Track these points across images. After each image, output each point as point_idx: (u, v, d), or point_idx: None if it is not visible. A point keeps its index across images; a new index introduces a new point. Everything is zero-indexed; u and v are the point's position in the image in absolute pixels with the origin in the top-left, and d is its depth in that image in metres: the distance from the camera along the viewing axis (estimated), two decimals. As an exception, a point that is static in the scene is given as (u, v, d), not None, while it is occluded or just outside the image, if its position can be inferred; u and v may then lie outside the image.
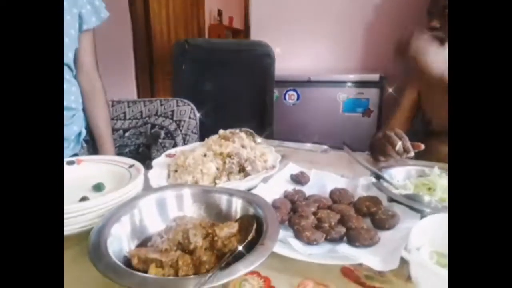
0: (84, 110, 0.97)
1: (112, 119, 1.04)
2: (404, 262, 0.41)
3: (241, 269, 0.36)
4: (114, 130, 1.03)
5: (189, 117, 1.00)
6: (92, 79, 0.96)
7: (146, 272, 0.39)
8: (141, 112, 1.04)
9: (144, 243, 0.46)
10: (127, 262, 0.41)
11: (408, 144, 0.75)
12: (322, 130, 2.00)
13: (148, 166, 0.67)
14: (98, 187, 0.59)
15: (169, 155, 0.74)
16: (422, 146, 0.75)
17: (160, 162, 0.71)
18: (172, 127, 0.99)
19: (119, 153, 1.02)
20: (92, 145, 1.00)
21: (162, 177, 0.65)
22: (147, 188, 0.58)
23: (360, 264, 0.43)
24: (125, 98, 1.11)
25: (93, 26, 0.91)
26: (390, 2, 2.14)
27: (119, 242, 0.42)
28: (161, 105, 1.02)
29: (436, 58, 0.84)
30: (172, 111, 1.00)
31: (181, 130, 0.98)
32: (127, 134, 1.04)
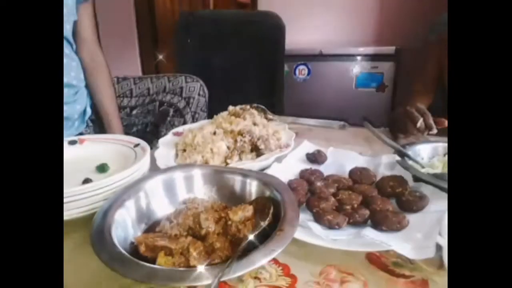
0: (87, 87, 0.92)
1: (118, 96, 1.00)
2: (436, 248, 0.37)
3: (260, 259, 0.32)
4: (121, 108, 0.99)
5: (199, 94, 0.97)
6: (94, 54, 0.91)
7: (154, 260, 0.36)
8: (148, 89, 1.00)
9: (152, 228, 0.43)
10: (134, 249, 0.38)
11: (431, 120, 0.69)
12: (334, 107, 1.93)
13: (154, 145, 0.64)
14: (102, 168, 0.55)
15: (176, 133, 0.70)
16: (446, 123, 0.69)
17: (167, 141, 0.67)
18: (181, 104, 0.96)
19: (126, 133, 0.99)
20: (98, 125, 0.96)
21: (169, 157, 0.61)
22: (154, 169, 0.55)
23: (387, 250, 0.39)
24: (130, 75, 1.06)
25: None
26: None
27: (125, 228, 0.39)
28: (169, 81, 0.99)
29: None
30: (181, 87, 0.97)
31: (190, 108, 0.96)
32: (134, 112, 1.00)
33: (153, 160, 0.58)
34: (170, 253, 0.37)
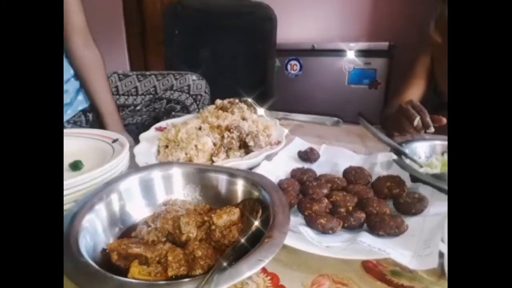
0: (82, 84, 0.85)
1: (123, 94, 0.95)
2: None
3: (245, 271, 0.29)
4: (125, 106, 0.96)
5: (205, 92, 0.97)
6: (89, 44, 0.83)
7: (128, 270, 0.32)
8: (154, 86, 0.98)
9: (127, 233, 0.39)
10: (106, 258, 0.34)
11: (428, 118, 0.67)
12: (326, 104, 1.90)
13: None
14: (75, 166, 0.51)
15: (159, 128, 0.66)
16: (444, 120, 0.66)
17: (149, 136, 0.63)
18: (189, 101, 0.96)
19: (129, 131, 0.93)
20: (97, 125, 0.89)
21: (150, 154, 0.56)
22: (134, 167, 0.50)
23: (385, 258, 0.36)
24: (132, 71, 1.02)
25: None
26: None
27: (94, 235, 0.34)
28: (176, 79, 0.98)
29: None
30: (189, 85, 0.97)
31: (197, 105, 0.96)
32: (139, 109, 0.97)
33: (132, 157, 0.53)
34: (146, 262, 0.33)
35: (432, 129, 0.67)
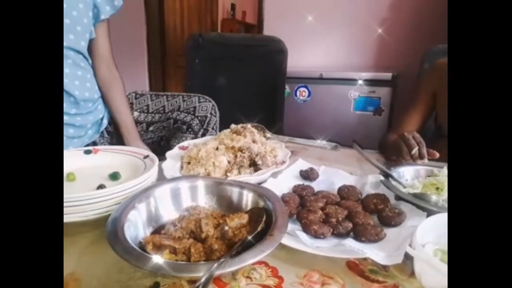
0: (104, 100, 1.00)
1: (136, 110, 1.08)
2: (407, 258, 0.42)
3: (250, 258, 0.37)
4: (138, 122, 1.06)
5: (211, 113, 1.02)
6: (111, 69, 0.99)
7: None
8: (163, 106, 1.07)
9: (158, 230, 0.48)
10: (142, 248, 0.43)
11: (425, 150, 0.74)
12: (333, 128, 2.00)
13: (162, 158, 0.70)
14: (115, 176, 0.61)
15: (182, 148, 0.76)
16: (437, 155, 0.72)
17: (173, 154, 0.73)
18: (194, 122, 1.01)
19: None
20: (115, 136, 1.02)
21: (175, 169, 0.67)
22: (162, 179, 0.61)
23: (365, 259, 0.44)
24: (147, 91, 1.14)
25: (109, 16, 0.93)
26: (405, 1, 2.11)
27: (135, 228, 0.44)
28: (183, 100, 1.05)
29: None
30: (194, 107, 1.03)
31: (202, 126, 1.01)
32: (151, 128, 1.07)
33: (160, 171, 0.64)
34: (174, 252, 0.43)
35: (426, 161, 0.73)
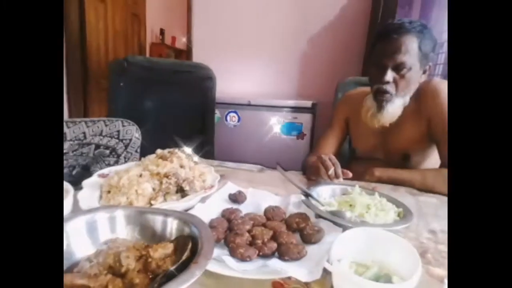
0: None
1: None
2: (328, 273, 0.45)
3: (174, 288, 0.36)
4: None
5: (135, 137, 1.00)
6: None
7: (71, 300, 0.37)
8: (84, 133, 1.00)
9: (70, 269, 0.43)
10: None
11: (339, 170, 0.83)
12: (261, 151, 2.11)
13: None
14: (17, 211, 0.54)
15: (102, 175, 0.71)
16: (350, 174, 0.83)
17: (91, 182, 0.68)
18: (118, 146, 0.98)
19: None
20: None
21: (93, 199, 0.62)
22: (77, 211, 0.55)
23: (289, 277, 0.46)
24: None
25: None
26: (324, 36, 2.38)
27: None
28: (106, 125, 1.01)
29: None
30: (118, 131, 1.00)
31: (126, 149, 0.98)
32: (65, 155, 0.97)
33: (76, 202, 0.58)
34: (89, 292, 0.39)
35: (341, 180, 0.83)
